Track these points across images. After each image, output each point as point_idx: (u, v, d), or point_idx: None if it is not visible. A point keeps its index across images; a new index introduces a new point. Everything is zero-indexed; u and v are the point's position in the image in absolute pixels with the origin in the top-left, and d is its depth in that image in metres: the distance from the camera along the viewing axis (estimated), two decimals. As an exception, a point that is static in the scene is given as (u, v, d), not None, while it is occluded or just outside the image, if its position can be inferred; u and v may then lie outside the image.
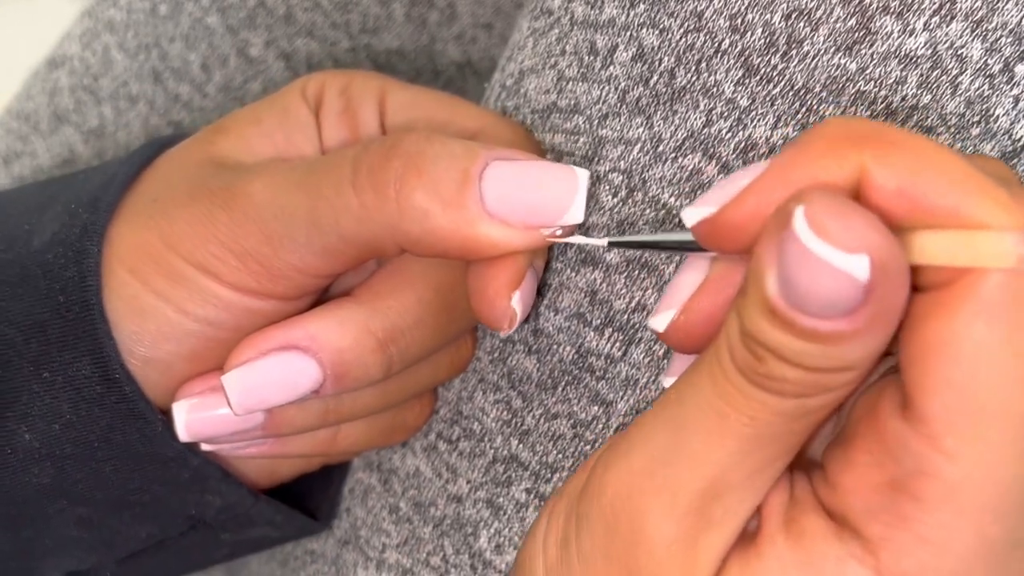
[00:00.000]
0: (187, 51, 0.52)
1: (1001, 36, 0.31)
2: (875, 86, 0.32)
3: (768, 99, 0.33)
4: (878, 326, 0.24)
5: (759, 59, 0.33)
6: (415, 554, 0.39)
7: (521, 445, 0.37)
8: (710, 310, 0.29)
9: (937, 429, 0.24)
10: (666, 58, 0.34)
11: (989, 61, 0.31)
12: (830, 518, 0.26)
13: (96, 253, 0.35)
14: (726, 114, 0.33)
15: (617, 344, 0.35)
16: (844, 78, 0.32)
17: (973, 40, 0.31)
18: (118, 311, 0.35)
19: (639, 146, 0.35)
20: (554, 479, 0.37)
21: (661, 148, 0.34)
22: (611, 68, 0.35)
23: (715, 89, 0.34)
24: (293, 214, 0.34)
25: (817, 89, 0.32)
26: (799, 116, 0.32)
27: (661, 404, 0.27)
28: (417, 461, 0.40)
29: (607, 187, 0.35)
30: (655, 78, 0.34)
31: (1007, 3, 0.31)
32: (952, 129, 0.31)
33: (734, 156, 0.33)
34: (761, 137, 0.33)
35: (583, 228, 0.35)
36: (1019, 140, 0.31)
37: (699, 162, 0.34)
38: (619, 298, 0.35)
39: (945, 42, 0.31)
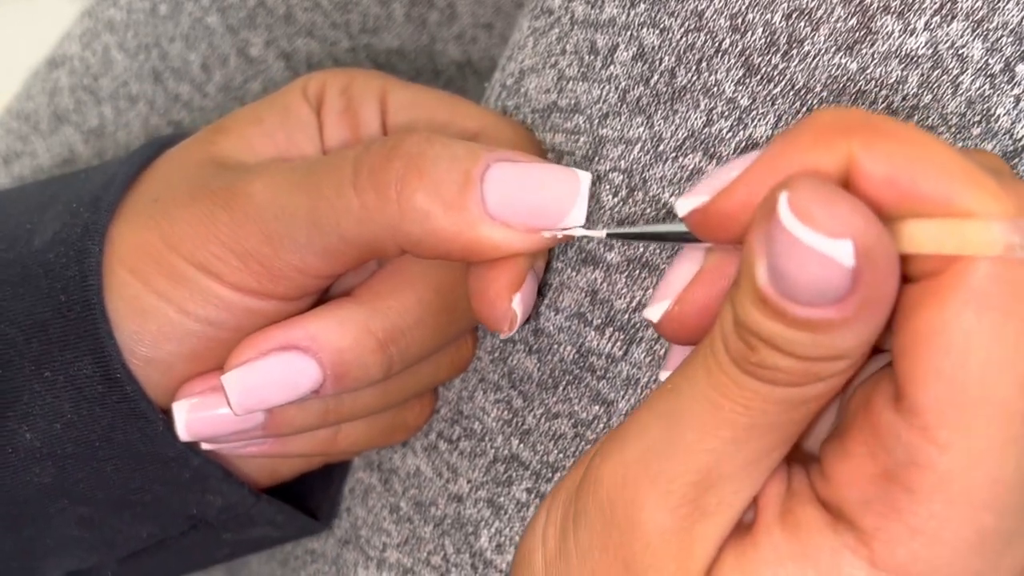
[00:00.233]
0: (187, 51, 0.52)
1: (1002, 36, 0.31)
2: (876, 86, 0.32)
3: (769, 99, 0.33)
4: (868, 314, 0.24)
5: (760, 59, 0.33)
6: (416, 553, 0.40)
7: (522, 445, 0.37)
8: (704, 301, 0.29)
9: (929, 420, 0.24)
10: (667, 57, 0.34)
11: (990, 61, 0.31)
12: (826, 510, 0.26)
13: (97, 253, 0.35)
14: (727, 114, 0.33)
15: (618, 343, 0.35)
16: (845, 78, 0.32)
17: (974, 40, 0.31)
18: (119, 311, 0.35)
19: (640, 145, 0.35)
20: (555, 479, 0.37)
21: (662, 148, 0.34)
22: (612, 67, 0.35)
23: (716, 89, 0.34)
24: (294, 214, 0.34)
25: (818, 89, 0.32)
26: (800, 116, 0.33)
27: (657, 396, 0.27)
28: (418, 460, 0.40)
29: (607, 186, 0.35)
30: (656, 77, 0.35)
31: (1008, 3, 0.31)
32: (953, 129, 0.31)
33: (735, 156, 0.33)
34: (762, 137, 0.33)
35: (583, 227, 0.35)
36: (1020, 140, 0.31)
37: (700, 162, 0.34)
38: (620, 297, 0.35)
39: (946, 42, 0.31)
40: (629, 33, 0.35)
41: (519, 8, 0.53)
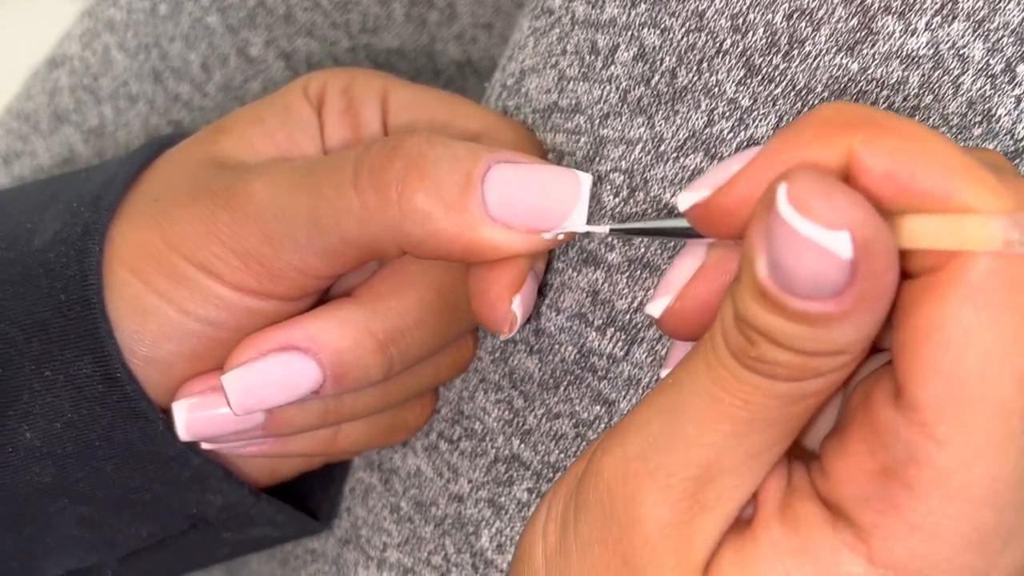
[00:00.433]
0: (187, 51, 0.52)
1: (1003, 36, 0.31)
2: (877, 86, 0.32)
3: (770, 99, 0.33)
4: (867, 308, 0.24)
5: (761, 59, 0.33)
6: (416, 553, 0.40)
7: (523, 445, 0.37)
8: (705, 297, 0.29)
9: (927, 416, 0.24)
10: (667, 58, 0.34)
11: (991, 61, 0.31)
12: (825, 506, 0.26)
13: (98, 252, 0.35)
14: (728, 114, 0.33)
15: (619, 344, 0.35)
16: (846, 78, 0.32)
17: (975, 40, 0.31)
18: (119, 310, 0.35)
19: (640, 146, 0.35)
20: (556, 478, 0.37)
21: (663, 148, 0.34)
22: (612, 68, 0.35)
23: (717, 89, 0.34)
24: (294, 215, 0.34)
25: (819, 89, 0.32)
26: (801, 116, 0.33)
27: (658, 391, 0.27)
28: (418, 460, 0.40)
29: (608, 187, 0.35)
30: (656, 78, 0.35)
31: (1009, 3, 0.31)
32: (954, 129, 0.31)
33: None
34: (763, 137, 0.33)
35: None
36: (1021, 140, 0.31)
37: (701, 162, 0.34)
38: (621, 298, 0.35)
39: (947, 42, 0.31)
40: (630, 33, 0.35)
41: (519, 8, 0.53)
